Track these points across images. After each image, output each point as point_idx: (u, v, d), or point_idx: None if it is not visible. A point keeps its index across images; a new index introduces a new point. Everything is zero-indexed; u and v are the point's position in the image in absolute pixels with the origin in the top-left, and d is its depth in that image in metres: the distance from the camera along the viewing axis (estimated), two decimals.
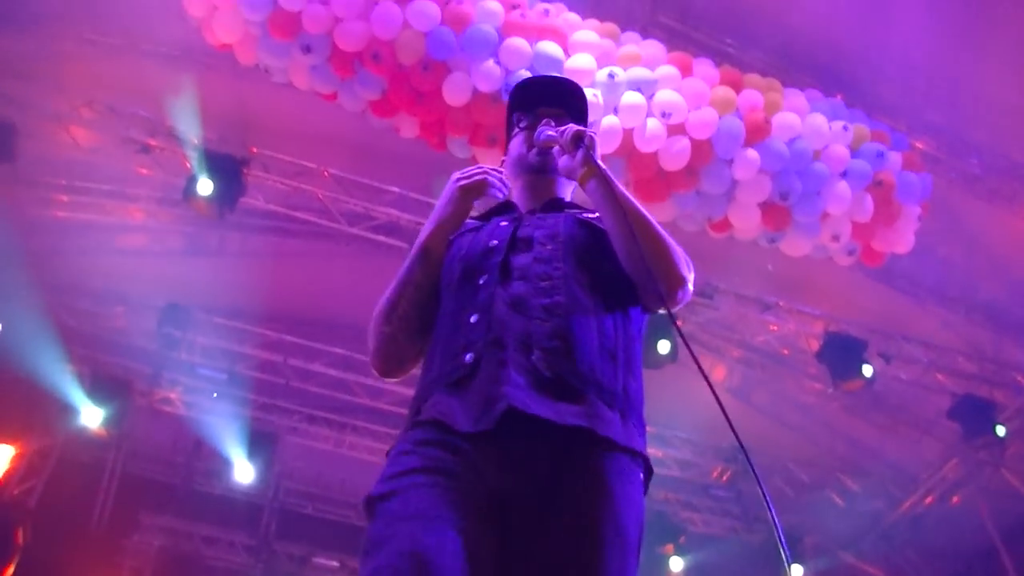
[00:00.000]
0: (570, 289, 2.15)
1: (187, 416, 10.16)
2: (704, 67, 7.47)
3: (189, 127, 7.98)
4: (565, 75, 6.78)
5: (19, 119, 7.93)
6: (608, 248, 2.27)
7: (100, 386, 9.43)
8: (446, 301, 2.24)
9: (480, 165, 2.45)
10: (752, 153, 7.23)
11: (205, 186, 8.06)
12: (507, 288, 2.15)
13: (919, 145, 8.53)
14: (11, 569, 8.44)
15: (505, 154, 2.66)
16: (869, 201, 7.54)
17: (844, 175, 7.47)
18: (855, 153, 7.53)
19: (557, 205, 2.48)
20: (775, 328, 9.81)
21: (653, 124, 7.09)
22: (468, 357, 2.04)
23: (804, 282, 9.39)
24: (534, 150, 2.50)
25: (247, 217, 8.97)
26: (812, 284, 9.42)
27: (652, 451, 8.75)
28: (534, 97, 2.62)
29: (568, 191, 2.56)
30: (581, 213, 2.41)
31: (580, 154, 2.31)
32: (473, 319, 2.11)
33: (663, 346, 9.17)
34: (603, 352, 2.10)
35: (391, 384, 9.67)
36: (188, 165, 8.15)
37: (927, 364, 9.61)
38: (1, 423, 9.01)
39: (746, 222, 7.67)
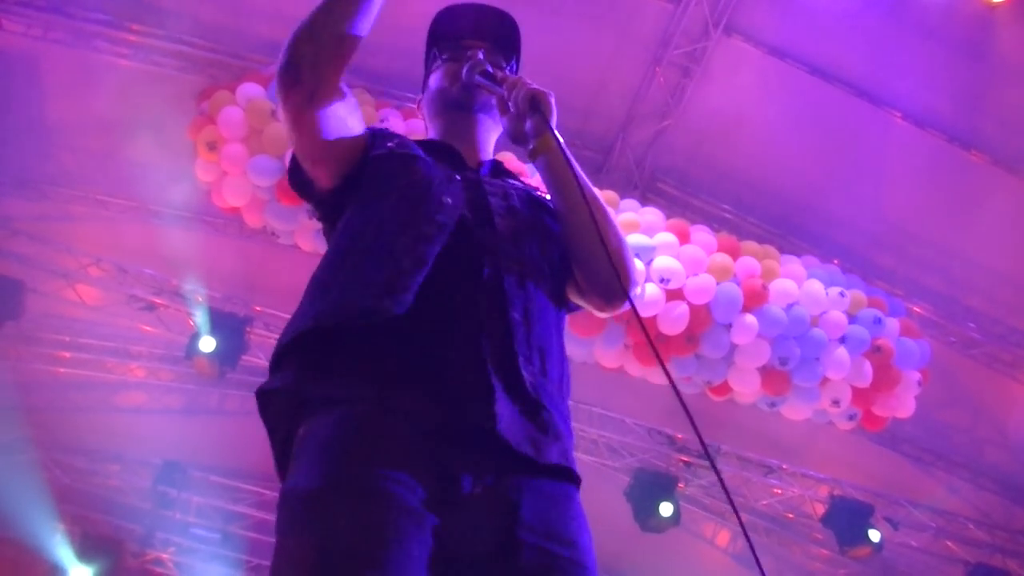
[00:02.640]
0: (535, 283, 1.84)
1: None
2: (702, 234, 7.60)
3: (195, 286, 8.07)
4: None
5: (27, 277, 8.04)
6: (559, 236, 1.99)
7: (90, 546, 9.26)
8: (379, 203, 1.86)
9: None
10: (750, 319, 7.28)
11: (208, 344, 8.10)
12: (468, 262, 1.78)
13: (917, 310, 8.58)
14: None
15: (423, 91, 2.30)
16: (868, 367, 7.54)
17: (842, 341, 7.50)
18: (853, 319, 7.57)
19: (500, 171, 2.15)
20: (779, 492, 9.68)
21: (652, 289, 7.16)
22: (398, 307, 1.66)
23: (807, 446, 9.30)
24: (458, 84, 2.12)
25: (248, 375, 8.96)
26: (815, 448, 9.33)
27: None
28: (458, 27, 2.23)
29: (493, 136, 2.20)
30: (534, 189, 2.11)
31: (534, 121, 1.95)
32: (431, 230, 1.77)
33: (665, 508, 9.00)
34: (560, 362, 1.84)
35: None
36: (192, 323, 8.19)
37: (936, 531, 9.42)
38: None
39: (746, 387, 7.66)
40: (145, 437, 9.28)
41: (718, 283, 7.27)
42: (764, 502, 9.85)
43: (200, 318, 8.17)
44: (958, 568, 9.46)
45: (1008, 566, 9.31)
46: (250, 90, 6.98)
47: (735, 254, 7.52)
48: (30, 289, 8.09)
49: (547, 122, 1.92)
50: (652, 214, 7.62)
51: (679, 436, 9.33)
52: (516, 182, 2.11)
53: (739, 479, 9.55)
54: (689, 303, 7.21)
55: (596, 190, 1.99)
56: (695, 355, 7.52)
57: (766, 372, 7.51)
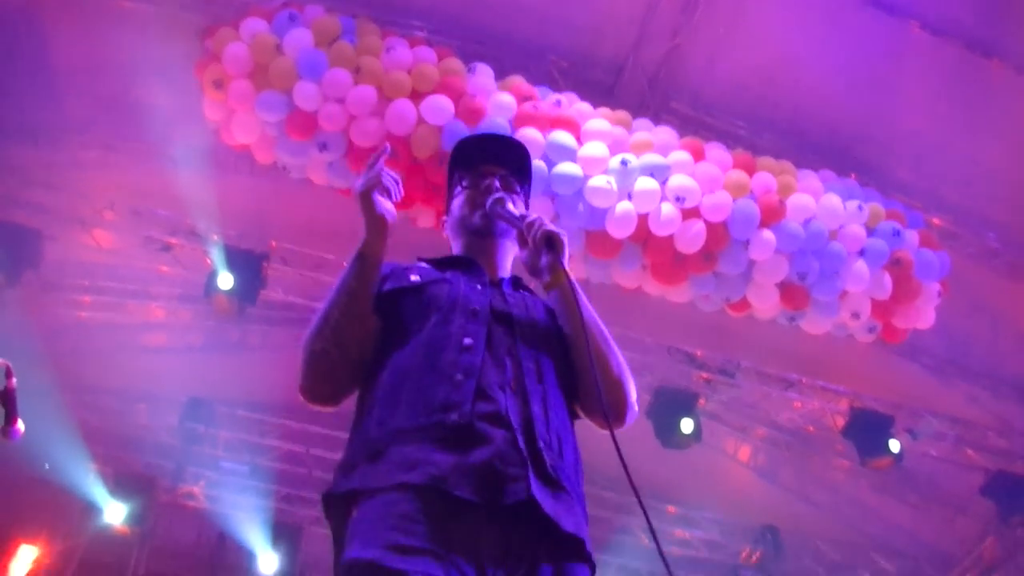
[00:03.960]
0: (553, 381, 2.11)
1: (211, 510, 10.01)
2: (717, 151, 7.47)
3: (209, 225, 8.01)
4: (577, 162, 6.95)
5: (43, 226, 8.00)
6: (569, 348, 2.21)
7: (123, 484, 9.36)
8: (412, 344, 2.10)
9: (373, 168, 2.23)
10: (768, 234, 7.19)
11: (225, 281, 8.07)
12: (497, 363, 2.05)
13: (936, 222, 8.45)
14: None
15: (446, 214, 2.56)
16: (887, 279, 7.46)
17: (861, 254, 7.41)
18: (871, 232, 7.47)
19: (519, 285, 2.41)
20: (799, 406, 9.67)
21: (668, 209, 7.08)
22: (452, 417, 1.92)
23: (827, 359, 9.26)
24: (478, 212, 2.40)
25: (268, 310, 8.96)
26: (835, 361, 9.29)
27: (679, 533, 8.53)
28: (475, 154, 2.52)
29: (510, 257, 2.47)
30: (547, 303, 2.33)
31: (549, 259, 2.22)
32: (459, 377, 1.99)
33: (686, 425, 9.01)
34: (575, 456, 2.07)
35: None
36: (208, 262, 8.16)
37: (956, 440, 9.41)
38: (25, 524, 8.92)
39: (765, 302, 7.61)
40: (169, 376, 9.32)
41: (734, 200, 7.18)
42: (785, 416, 9.86)
43: (216, 256, 8.14)
44: (978, 475, 9.49)
45: None
46: (254, 25, 6.84)
47: (751, 170, 7.40)
48: (47, 237, 8.06)
49: (560, 261, 2.17)
50: (666, 133, 7.49)
51: (699, 353, 9.30)
52: (534, 295, 2.35)
53: (759, 394, 9.56)
54: (706, 221, 7.12)
55: (601, 326, 2.22)
56: (713, 273, 7.45)
57: (785, 287, 7.45)
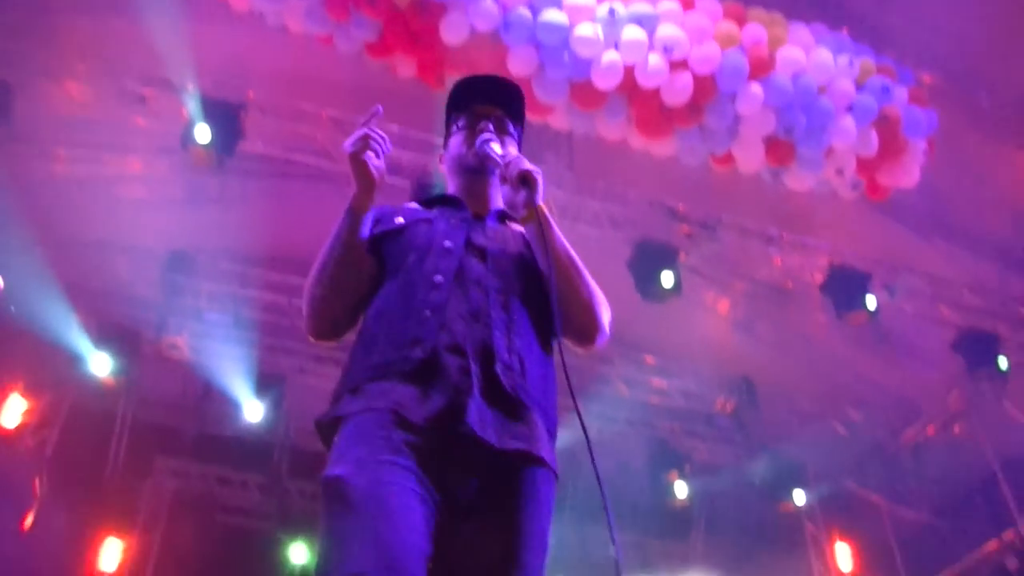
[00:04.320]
0: (519, 308, 2.30)
1: (195, 361, 10.03)
2: (706, 1, 7.24)
3: (184, 75, 7.77)
4: (563, 10, 6.73)
5: (14, 79, 7.73)
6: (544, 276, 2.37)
7: (107, 336, 9.39)
8: (391, 286, 2.34)
9: (362, 128, 2.38)
10: (756, 88, 7.07)
11: (203, 133, 7.88)
12: (464, 294, 2.26)
13: (926, 79, 8.30)
14: (30, 517, 8.49)
15: (444, 150, 2.73)
16: (874, 136, 7.39)
17: (849, 110, 7.32)
18: (860, 88, 7.36)
19: (503, 218, 2.59)
20: (779, 261, 9.70)
21: (655, 60, 6.94)
22: (417, 352, 2.14)
23: (808, 215, 9.26)
24: (472, 151, 2.58)
25: (246, 162, 8.79)
26: (816, 217, 9.29)
27: (657, 382, 8.65)
28: (471, 95, 2.69)
29: (501, 192, 2.60)
30: (526, 235, 2.49)
31: (524, 196, 2.36)
32: (426, 314, 2.20)
33: (667, 278, 9.03)
34: (542, 375, 2.27)
35: None
36: (185, 113, 7.95)
37: (931, 297, 9.53)
38: (11, 376, 8.98)
39: (750, 157, 7.56)
40: (150, 228, 9.22)
41: (723, 51, 7.02)
42: (765, 271, 9.90)
43: (192, 107, 7.92)
44: (949, 331, 9.66)
45: (998, 329, 9.51)
46: None
47: (741, 22, 7.22)
48: (17, 90, 7.78)
49: (533, 197, 2.32)
50: None
51: (680, 207, 9.24)
52: (516, 228, 2.52)
53: (740, 249, 9.56)
54: (693, 73, 6.98)
55: (573, 256, 2.39)
56: (699, 126, 7.34)
57: (771, 142, 7.37)
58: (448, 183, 2.71)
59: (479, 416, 2.08)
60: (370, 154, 2.34)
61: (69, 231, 8.81)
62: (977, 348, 9.39)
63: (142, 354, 9.76)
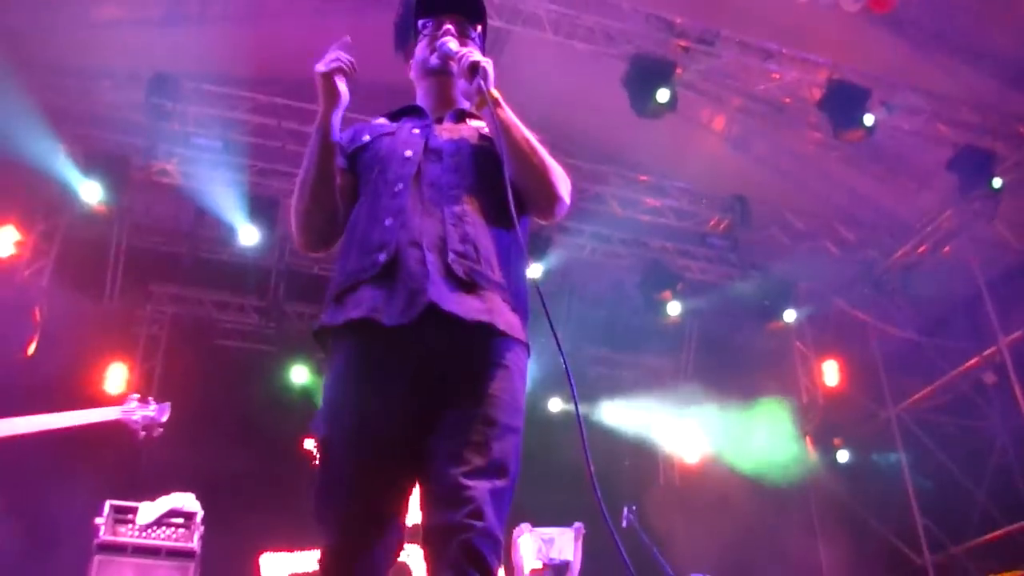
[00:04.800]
0: (474, 198, 2.47)
1: (186, 186, 9.93)
2: None
3: None
4: None
5: None
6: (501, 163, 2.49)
7: (95, 163, 9.27)
8: (363, 197, 2.53)
9: (333, 51, 2.56)
10: None
11: None
12: (420, 195, 2.44)
13: None
14: (33, 345, 8.65)
15: (411, 58, 2.86)
16: None
17: None
18: None
19: (462, 116, 2.74)
20: (777, 76, 9.47)
21: None
22: (382, 256, 2.33)
23: (809, 29, 8.98)
24: (435, 54, 2.73)
25: None
26: (817, 32, 9.00)
27: (650, 201, 8.67)
28: (436, 3, 2.81)
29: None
30: (483, 128, 2.67)
31: (476, 83, 2.53)
32: (388, 222, 2.39)
33: (662, 94, 8.83)
34: (501, 256, 2.44)
35: None
36: None
37: (930, 114, 9.37)
38: (3, 208, 8.91)
39: None
40: (130, 50, 8.95)
41: None
42: (762, 87, 9.69)
43: None
44: (946, 150, 9.57)
45: (995, 147, 9.41)
46: None
47: None
48: None
49: (483, 85, 2.49)
50: None
51: (678, 20, 8.97)
52: (473, 124, 2.69)
53: (738, 64, 9.33)
54: None
55: (527, 134, 2.52)
56: None
57: None
58: (416, 90, 2.85)
59: (438, 293, 2.27)
60: (340, 75, 2.52)
61: (48, 57, 8.56)
62: (972, 167, 9.32)
63: (132, 181, 9.65)
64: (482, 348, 2.31)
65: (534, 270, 9.92)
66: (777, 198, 11.14)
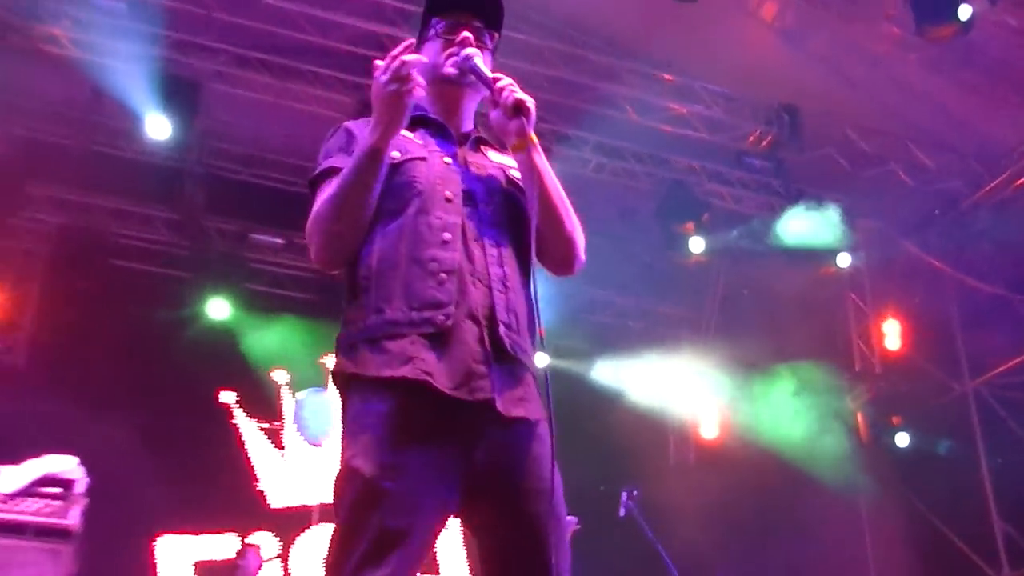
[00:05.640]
0: (510, 256, 2.80)
1: (80, 59, 9.52)
2: None
3: None
4: None
5: None
6: (526, 210, 2.83)
7: None
8: (393, 227, 2.75)
9: (398, 58, 2.66)
10: None
11: None
12: (467, 251, 2.72)
13: None
14: None
15: (416, 50, 2.95)
16: None
17: None
18: None
19: (478, 143, 3.06)
20: None
21: None
22: (439, 318, 2.61)
23: None
24: (450, 62, 2.97)
25: None
26: None
27: (674, 107, 8.60)
28: (453, 1, 3.04)
29: (474, 107, 3.11)
30: (509, 168, 2.98)
31: (517, 124, 2.78)
32: (442, 276, 2.65)
33: None
34: (529, 319, 2.81)
35: (346, 17, 9.56)
36: None
37: None
38: None
39: None
40: None
41: None
42: None
43: None
44: None
45: None
46: None
47: None
48: None
49: (527, 128, 2.77)
50: None
51: None
52: (494, 158, 3.02)
53: None
54: None
55: (559, 188, 2.89)
56: None
57: None
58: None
59: (492, 383, 2.60)
60: (409, 96, 2.66)
61: None
62: None
63: (10, 48, 9.34)
64: (518, 441, 2.66)
65: None
66: (837, 110, 10.98)
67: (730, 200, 11.75)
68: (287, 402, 11.36)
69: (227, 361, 10.87)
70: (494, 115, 2.88)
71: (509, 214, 2.88)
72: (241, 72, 10.22)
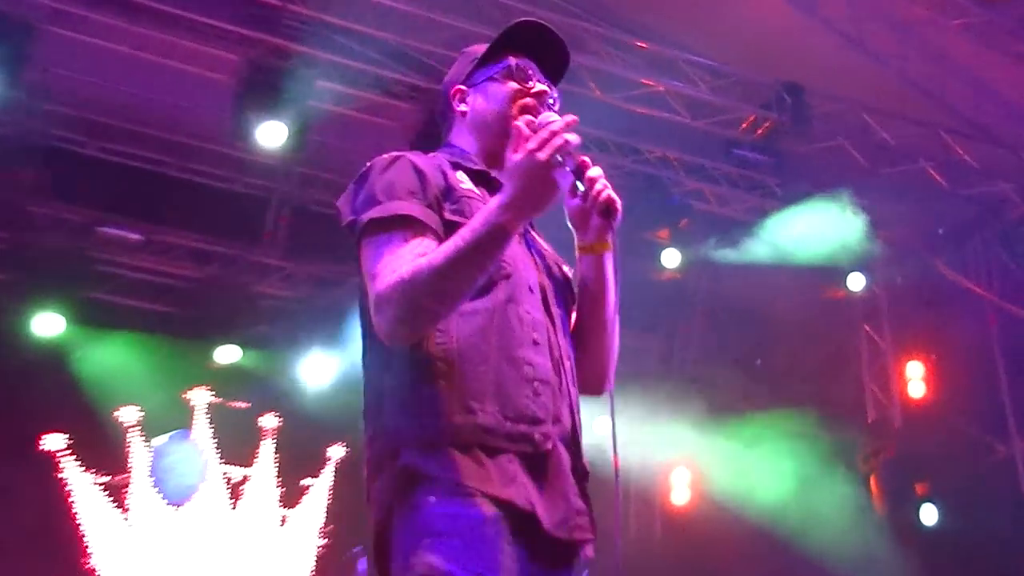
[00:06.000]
0: (573, 366, 2.88)
1: None
2: None
3: None
4: None
5: None
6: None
7: None
8: (481, 312, 2.67)
9: (560, 134, 2.54)
10: None
11: None
12: (552, 361, 2.73)
13: None
14: None
15: (468, 83, 3.09)
16: None
17: None
18: None
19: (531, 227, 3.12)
20: None
21: None
22: (536, 435, 2.57)
23: None
24: (526, 121, 2.76)
25: None
26: None
27: (648, 82, 7.40)
28: (537, 53, 3.03)
29: None
30: (562, 264, 3.03)
31: (603, 225, 2.86)
32: (537, 385, 2.64)
33: None
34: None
35: None
36: None
37: None
38: None
39: None
40: None
41: None
42: None
43: None
44: None
45: None
46: None
47: None
48: None
49: (612, 231, 2.87)
50: None
51: None
52: (544, 247, 3.11)
53: None
54: None
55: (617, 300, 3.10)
56: None
57: None
58: (463, 125, 3.06)
59: (590, 521, 2.67)
60: (562, 175, 2.68)
61: None
62: None
63: None
64: (575, 558, 2.65)
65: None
66: (854, 90, 10.61)
67: (715, 201, 11.26)
68: (137, 449, 10.41)
69: (56, 393, 10.02)
70: (572, 203, 2.94)
71: (569, 311, 2.96)
72: (89, 12, 9.44)
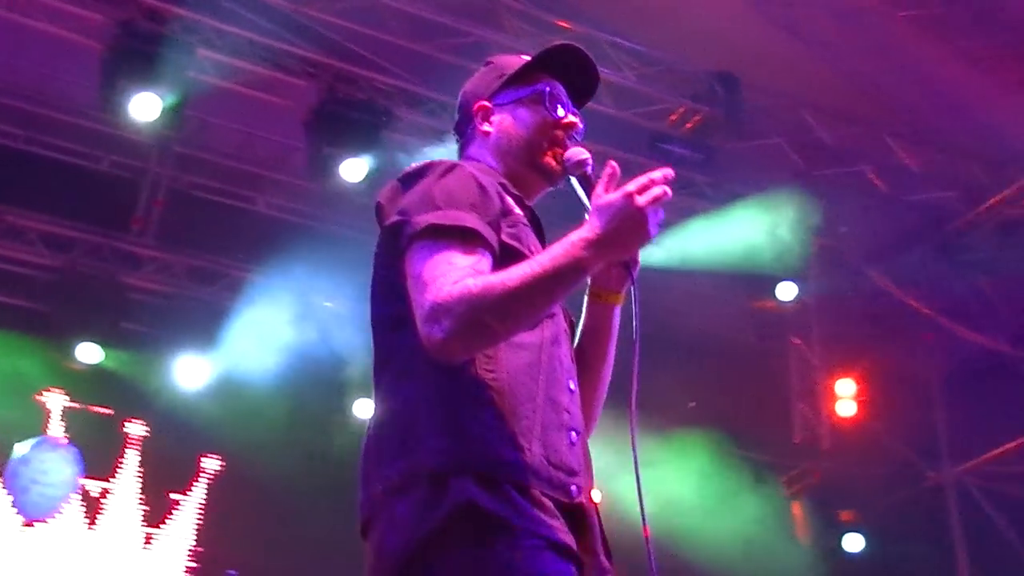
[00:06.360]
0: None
1: None
2: None
3: None
4: None
5: None
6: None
7: None
8: (527, 348, 2.70)
9: (660, 184, 2.58)
10: None
11: None
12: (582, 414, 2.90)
13: None
14: None
15: (492, 101, 3.12)
16: None
17: None
18: None
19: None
20: None
21: None
22: (575, 491, 2.60)
23: None
24: (555, 157, 2.96)
25: None
26: None
27: None
28: (574, 80, 3.11)
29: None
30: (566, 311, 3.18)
31: (624, 277, 2.92)
32: (573, 435, 2.69)
33: None
34: None
35: None
36: None
37: None
38: None
39: None
40: None
41: None
42: None
43: None
44: None
45: None
46: None
47: None
48: None
49: (631, 282, 2.92)
50: None
51: None
52: None
53: None
54: None
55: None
56: None
57: None
58: (489, 146, 3.09)
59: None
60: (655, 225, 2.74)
61: None
62: None
63: None
64: None
65: (354, 171, 9.70)
66: (793, 85, 10.74)
67: None
68: None
69: None
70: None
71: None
72: None
